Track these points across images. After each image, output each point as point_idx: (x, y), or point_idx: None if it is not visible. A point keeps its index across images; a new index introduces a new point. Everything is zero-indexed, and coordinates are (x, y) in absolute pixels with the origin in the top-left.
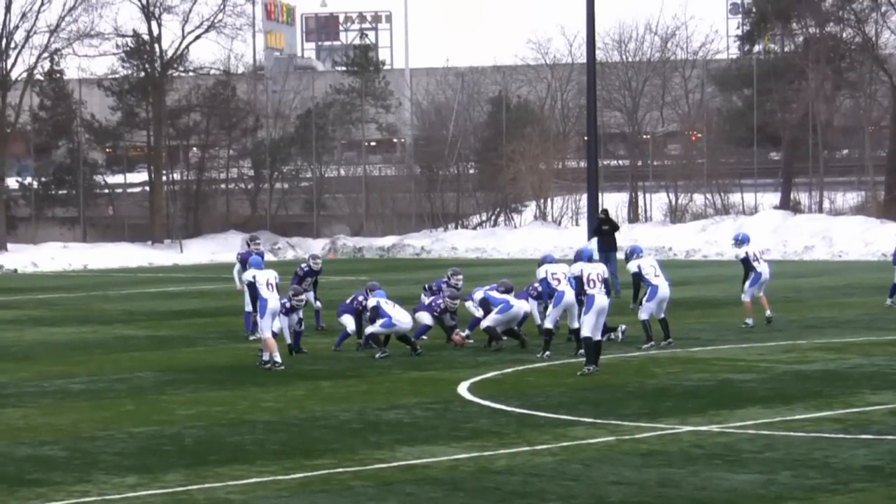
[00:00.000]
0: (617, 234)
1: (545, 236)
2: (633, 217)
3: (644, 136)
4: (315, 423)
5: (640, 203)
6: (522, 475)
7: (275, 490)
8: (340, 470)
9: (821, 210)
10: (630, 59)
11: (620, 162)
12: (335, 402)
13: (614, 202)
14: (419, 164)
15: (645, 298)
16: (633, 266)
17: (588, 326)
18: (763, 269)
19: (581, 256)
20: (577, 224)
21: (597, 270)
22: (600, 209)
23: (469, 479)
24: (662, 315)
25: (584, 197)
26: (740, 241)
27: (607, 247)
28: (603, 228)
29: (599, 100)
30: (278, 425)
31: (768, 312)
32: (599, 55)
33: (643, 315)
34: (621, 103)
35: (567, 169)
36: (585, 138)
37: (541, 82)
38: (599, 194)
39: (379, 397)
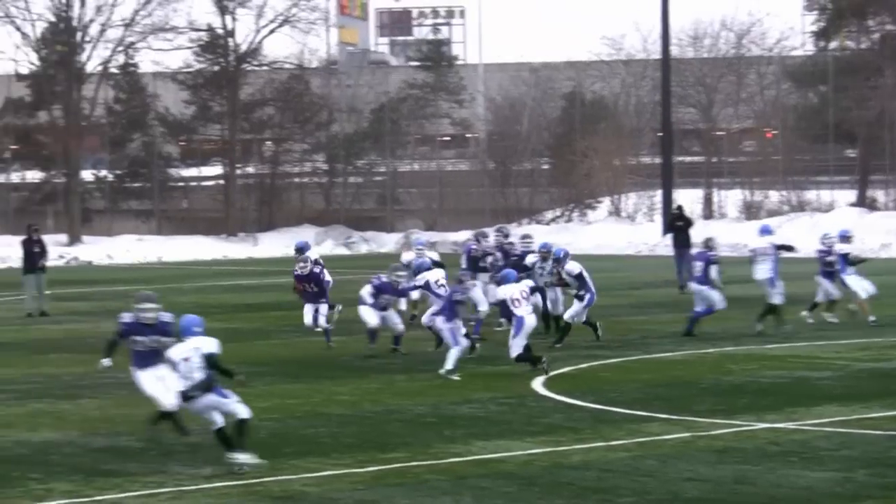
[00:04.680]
0: (691, 231)
1: (619, 232)
2: (708, 214)
3: (719, 133)
4: (389, 417)
5: (715, 199)
6: (597, 471)
7: (349, 483)
8: (415, 464)
9: None
10: (705, 56)
11: (695, 158)
12: (409, 396)
13: (689, 198)
14: (492, 160)
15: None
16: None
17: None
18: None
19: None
20: (651, 220)
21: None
22: (675, 205)
23: (543, 475)
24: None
25: (659, 193)
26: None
27: (682, 243)
28: (677, 225)
29: (674, 96)
30: (353, 418)
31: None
32: (674, 51)
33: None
34: (696, 99)
35: (641, 165)
36: (660, 134)
37: (615, 78)
38: (674, 190)
39: (453, 391)
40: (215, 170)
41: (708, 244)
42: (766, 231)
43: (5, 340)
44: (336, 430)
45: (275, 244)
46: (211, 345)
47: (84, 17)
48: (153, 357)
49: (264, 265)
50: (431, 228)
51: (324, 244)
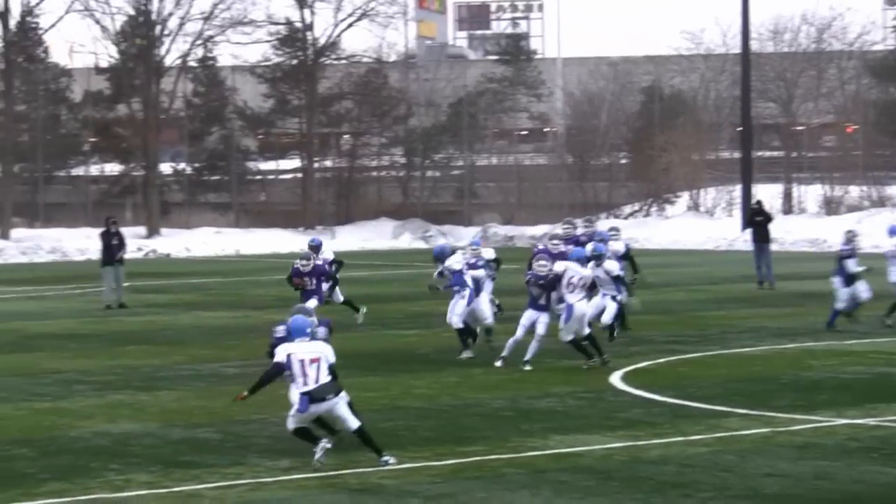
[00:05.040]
0: (770, 226)
1: (697, 227)
2: (787, 209)
3: (798, 128)
4: (467, 411)
5: (795, 195)
6: (676, 465)
7: (427, 476)
8: (493, 457)
9: None
10: (785, 50)
11: (774, 153)
12: (487, 390)
13: (768, 193)
14: (571, 154)
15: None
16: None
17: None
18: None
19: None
20: (730, 215)
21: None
22: (754, 200)
23: (622, 469)
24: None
25: (738, 188)
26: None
27: (761, 238)
28: (756, 220)
29: (753, 90)
30: (430, 412)
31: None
32: (754, 45)
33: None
34: (775, 94)
35: (720, 160)
36: (739, 129)
37: (694, 72)
38: (753, 185)
39: (531, 386)
40: (293, 163)
41: (847, 236)
42: (894, 232)
43: (85, 332)
44: (414, 423)
45: (352, 238)
46: (332, 353)
47: (163, 11)
48: None
49: (341, 258)
50: (509, 223)
51: (401, 238)
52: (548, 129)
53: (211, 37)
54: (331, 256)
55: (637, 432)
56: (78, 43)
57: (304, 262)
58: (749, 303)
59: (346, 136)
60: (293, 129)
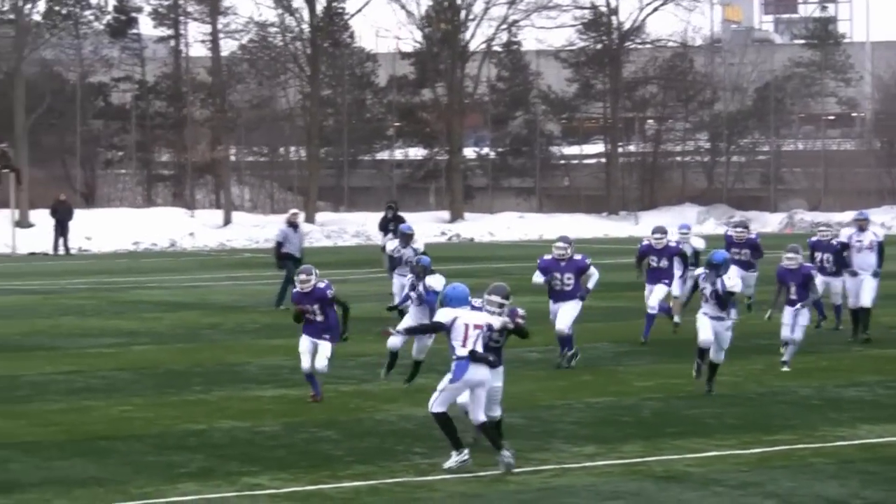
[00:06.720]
0: None
1: None
2: None
3: None
4: (773, 398)
5: None
6: None
7: (733, 464)
8: (800, 446)
9: None
10: None
11: None
12: (793, 378)
13: None
14: (879, 139)
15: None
16: None
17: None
18: None
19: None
20: None
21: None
22: None
23: None
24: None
25: None
26: None
27: None
28: None
29: None
30: (736, 399)
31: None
32: None
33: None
34: None
35: None
36: None
37: None
38: None
39: (839, 374)
40: (597, 148)
41: None
42: None
43: (387, 315)
44: (720, 410)
45: (656, 223)
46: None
47: None
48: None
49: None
50: (815, 209)
51: (706, 223)
52: (856, 114)
53: (515, 21)
54: (421, 247)
55: None
56: (383, 28)
57: (302, 277)
58: None
59: (650, 121)
60: (597, 113)
